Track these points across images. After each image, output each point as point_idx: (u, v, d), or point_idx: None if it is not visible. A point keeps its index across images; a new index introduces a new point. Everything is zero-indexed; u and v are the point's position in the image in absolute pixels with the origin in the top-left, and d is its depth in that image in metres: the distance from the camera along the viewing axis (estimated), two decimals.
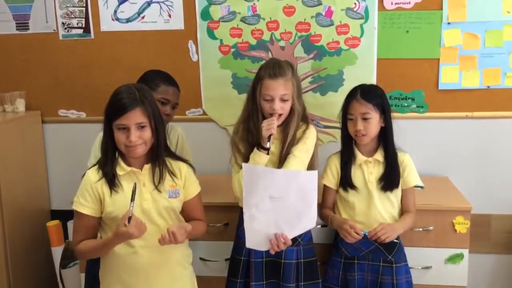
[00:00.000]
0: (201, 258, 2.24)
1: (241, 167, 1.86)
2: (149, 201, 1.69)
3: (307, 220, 1.74)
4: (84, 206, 1.67)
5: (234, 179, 1.92)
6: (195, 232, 1.74)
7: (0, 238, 2.43)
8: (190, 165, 1.81)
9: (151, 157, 1.71)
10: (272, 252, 1.77)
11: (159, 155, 1.71)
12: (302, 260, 1.94)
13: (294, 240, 1.82)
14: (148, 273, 1.70)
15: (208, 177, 2.51)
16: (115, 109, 1.62)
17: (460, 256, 2.13)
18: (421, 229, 2.12)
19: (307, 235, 1.97)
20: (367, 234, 1.86)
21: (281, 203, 1.71)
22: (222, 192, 2.14)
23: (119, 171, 1.68)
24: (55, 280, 2.62)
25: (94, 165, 1.72)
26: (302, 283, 1.93)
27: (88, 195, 1.67)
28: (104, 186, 1.67)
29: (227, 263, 2.09)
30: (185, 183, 1.78)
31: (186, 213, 1.81)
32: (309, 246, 1.99)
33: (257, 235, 1.75)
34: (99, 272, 1.78)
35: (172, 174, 1.74)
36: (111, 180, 1.66)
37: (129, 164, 1.69)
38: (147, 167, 1.71)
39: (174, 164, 1.77)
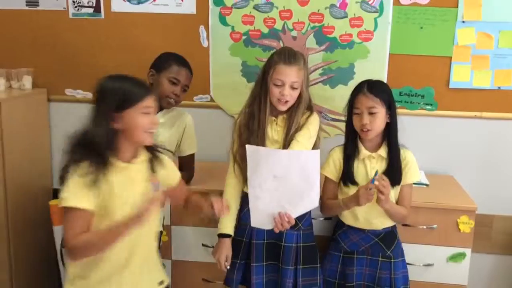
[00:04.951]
0: (203, 245, 2.24)
1: (235, 160, 1.96)
2: (139, 195, 1.60)
3: (309, 199, 1.76)
4: (83, 199, 1.51)
5: (225, 186, 2.02)
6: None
7: (2, 214, 2.43)
8: (163, 153, 1.76)
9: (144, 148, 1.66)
10: (276, 231, 1.80)
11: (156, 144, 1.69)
12: (301, 244, 1.97)
13: (295, 224, 1.84)
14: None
15: (212, 164, 2.52)
16: (138, 91, 1.57)
17: (462, 255, 2.14)
18: (425, 227, 2.12)
19: (307, 220, 2.00)
20: (376, 177, 1.79)
21: (284, 183, 1.73)
22: (224, 179, 2.13)
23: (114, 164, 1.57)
24: (56, 258, 2.62)
25: (81, 157, 1.54)
26: (301, 267, 1.96)
27: (86, 189, 1.51)
28: (96, 177, 1.53)
29: None
30: (169, 172, 1.75)
31: (177, 196, 1.81)
32: (309, 231, 2.02)
33: (262, 214, 1.78)
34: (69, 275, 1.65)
35: (156, 166, 1.68)
36: (97, 175, 1.53)
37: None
38: (138, 160, 1.63)
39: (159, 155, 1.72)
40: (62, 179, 1.55)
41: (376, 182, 1.77)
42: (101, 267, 1.59)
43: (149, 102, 1.59)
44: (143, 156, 1.65)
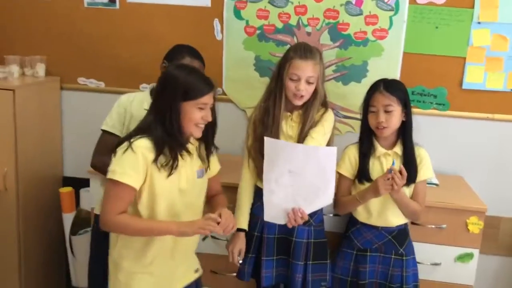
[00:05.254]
0: (212, 237, 2.26)
1: (250, 155, 1.97)
2: (184, 181, 1.69)
3: (324, 196, 1.76)
4: (133, 178, 1.56)
5: (241, 181, 2.02)
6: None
7: (13, 201, 2.45)
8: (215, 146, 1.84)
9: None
10: (290, 226, 1.80)
11: (212, 136, 1.76)
12: (312, 240, 1.98)
13: (306, 220, 1.84)
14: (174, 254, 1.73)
15: (223, 157, 2.50)
16: (201, 87, 1.62)
17: (470, 256, 2.15)
18: (433, 226, 2.13)
19: (319, 217, 2.01)
20: (393, 166, 1.82)
21: (299, 178, 1.73)
22: (236, 173, 2.14)
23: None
24: (64, 245, 2.65)
25: (142, 136, 1.60)
26: (310, 262, 1.98)
27: (141, 168, 1.57)
28: (156, 162, 1.60)
29: None
30: (211, 162, 1.82)
31: (209, 187, 1.85)
32: (320, 227, 2.03)
33: (275, 209, 1.78)
34: (113, 252, 1.71)
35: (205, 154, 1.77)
36: (175, 160, 1.62)
37: None
38: (188, 147, 1.70)
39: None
40: (115, 151, 1.60)
41: (393, 172, 1.79)
42: (147, 254, 1.67)
43: (208, 98, 1.64)
44: (193, 144, 1.71)
